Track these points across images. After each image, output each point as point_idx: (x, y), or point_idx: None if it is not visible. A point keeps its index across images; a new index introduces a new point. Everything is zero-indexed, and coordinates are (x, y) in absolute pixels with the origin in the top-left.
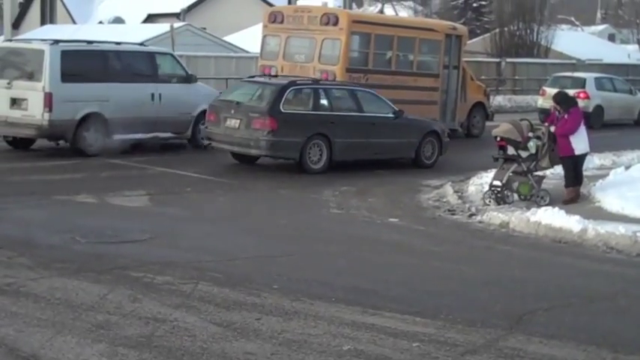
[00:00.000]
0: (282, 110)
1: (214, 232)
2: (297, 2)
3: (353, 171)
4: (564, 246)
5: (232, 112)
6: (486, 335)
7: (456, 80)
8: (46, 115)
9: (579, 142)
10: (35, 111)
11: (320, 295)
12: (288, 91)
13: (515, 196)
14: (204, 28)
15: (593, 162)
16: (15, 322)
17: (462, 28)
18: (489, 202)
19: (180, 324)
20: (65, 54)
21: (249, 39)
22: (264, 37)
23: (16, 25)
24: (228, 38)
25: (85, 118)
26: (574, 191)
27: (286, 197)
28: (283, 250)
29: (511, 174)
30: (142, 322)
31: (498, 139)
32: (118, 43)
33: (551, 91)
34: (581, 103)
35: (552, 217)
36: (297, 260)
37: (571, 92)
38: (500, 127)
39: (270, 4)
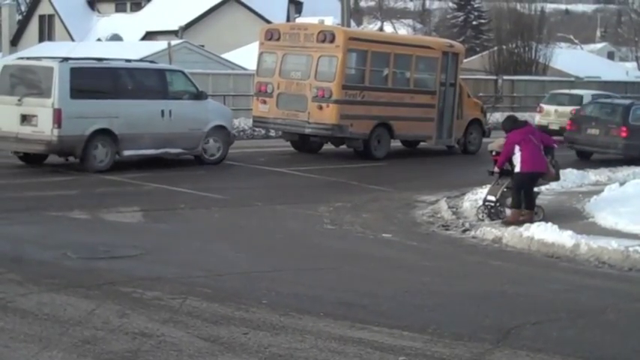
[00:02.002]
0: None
1: (206, 248)
2: (296, 20)
3: (348, 187)
4: (556, 261)
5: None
6: (473, 349)
7: (452, 97)
8: (56, 131)
9: (519, 162)
10: (45, 127)
11: (309, 310)
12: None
13: (508, 211)
14: (203, 46)
15: (589, 178)
16: (1, 337)
17: (458, 46)
18: (482, 217)
19: (167, 339)
20: (74, 71)
21: (246, 56)
22: (260, 54)
23: (15, 42)
24: (226, 55)
25: (95, 134)
26: (513, 214)
27: (281, 213)
28: (274, 265)
29: (505, 189)
30: (128, 337)
31: (494, 153)
32: (128, 60)
33: (549, 108)
34: None
35: (545, 233)
36: (288, 275)
37: (568, 109)
38: (496, 142)
39: (268, 22)
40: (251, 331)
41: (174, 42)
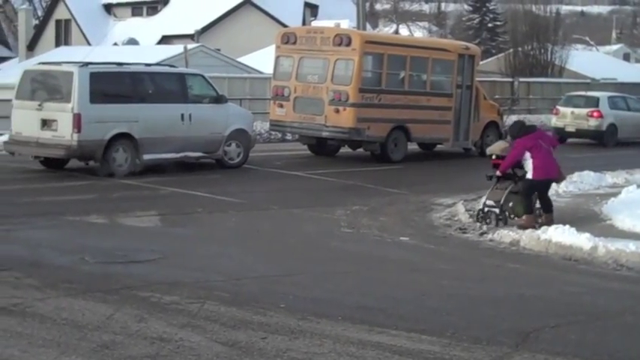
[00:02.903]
0: None
1: (223, 252)
2: (312, 23)
3: (365, 190)
4: (574, 263)
5: None
6: (492, 353)
7: (469, 100)
8: (75, 136)
9: (531, 168)
10: (65, 132)
11: (327, 314)
12: None
13: (522, 219)
14: (219, 49)
15: (606, 180)
16: (20, 342)
17: (474, 48)
18: (481, 221)
19: (186, 343)
20: (94, 75)
21: (262, 60)
22: (277, 57)
23: (31, 46)
24: (242, 59)
25: (115, 139)
26: (528, 219)
27: (298, 216)
28: (292, 269)
29: (508, 194)
30: (147, 342)
31: (494, 157)
32: (148, 65)
33: (565, 110)
34: (594, 122)
35: (563, 235)
36: (305, 279)
37: (584, 111)
38: (497, 145)
39: (284, 25)
40: (269, 336)
41: (191, 46)
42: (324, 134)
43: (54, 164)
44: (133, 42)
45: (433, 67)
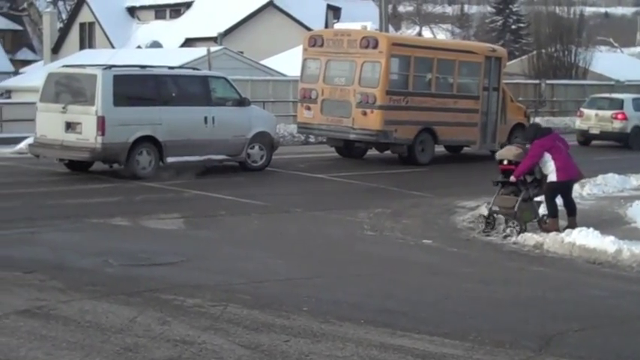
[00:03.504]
0: None
1: (246, 255)
2: (335, 26)
3: (388, 193)
4: (598, 267)
5: None
6: (514, 357)
7: (495, 102)
8: (99, 139)
9: (553, 170)
10: (89, 134)
11: (349, 317)
12: None
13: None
14: (242, 52)
15: (630, 183)
16: (44, 345)
17: (501, 50)
18: (485, 228)
19: (208, 346)
20: (117, 78)
21: (285, 62)
22: (304, 60)
23: (56, 49)
24: (265, 62)
25: (138, 141)
26: (552, 222)
27: (321, 219)
28: (314, 271)
29: (522, 201)
30: (169, 345)
31: (505, 162)
32: (172, 68)
33: (589, 112)
34: (618, 124)
35: (587, 238)
36: (328, 282)
37: (608, 113)
38: (508, 151)
39: (307, 28)
40: (292, 339)
41: (214, 49)
42: (352, 137)
43: (79, 167)
44: (156, 45)
45: (460, 69)
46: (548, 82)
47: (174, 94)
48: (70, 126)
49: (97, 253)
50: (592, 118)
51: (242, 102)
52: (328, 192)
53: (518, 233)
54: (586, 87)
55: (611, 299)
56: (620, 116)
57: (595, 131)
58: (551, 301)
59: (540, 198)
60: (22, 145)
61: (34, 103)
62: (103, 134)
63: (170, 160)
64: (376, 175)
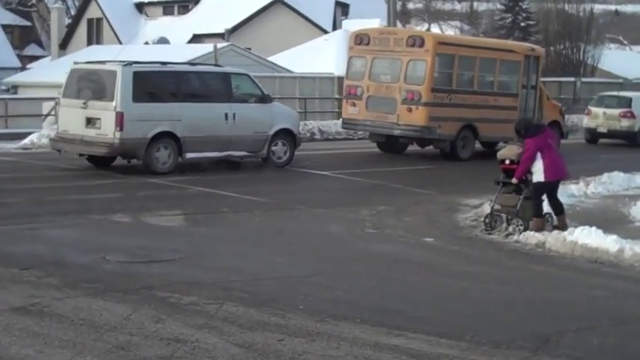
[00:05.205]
0: None
1: (246, 252)
2: (342, 23)
3: (392, 190)
4: (600, 266)
5: None
6: (510, 357)
7: (533, 100)
8: (118, 134)
9: (541, 170)
10: (108, 130)
11: (345, 316)
12: None
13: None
14: (249, 49)
15: (636, 181)
16: (36, 342)
17: (539, 49)
18: (491, 226)
19: (202, 345)
20: (137, 75)
21: (292, 59)
22: (349, 58)
23: (63, 45)
24: (272, 58)
25: (157, 137)
26: (537, 222)
27: (323, 217)
28: (313, 270)
29: (523, 199)
30: (162, 343)
31: (507, 162)
32: (193, 64)
33: (597, 110)
34: (626, 122)
35: (589, 237)
36: (326, 280)
37: (616, 112)
38: (509, 150)
39: (315, 25)
40: (286, 338)
41: (221, 45)
42: (396, 132)
43: (100, 162)
44: (163, 41)
45: (500, 67)
46: (556, 80)
47: (194, 91)
48: (90, 121)
49: (95, 249)
50: (600, 117)
51: (264, 99)
52: (332, 189)
53: (522, 232)
54: (594, 84)
55: (611, 299)
56: (628, 114)
57: (603, 130)
58: (550, 301)
59: (543, 196)
60: (27, 140)
61: (39, 99)
62: (121, 130)
63: (189, 155)
64: (380, 173)
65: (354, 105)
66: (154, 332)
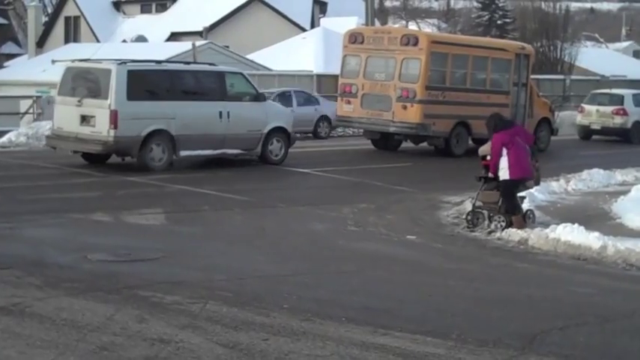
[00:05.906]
0: None
1: (228, 251)
2: (321, 20)
3: (373, 188)
4: (583, 263)
5: None
6: (497, 356)
7: (524, 97)
8: (112, 132)
9: (506, 167)
10: (102, 128)
11: (330, 315)
12: None
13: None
14: (227, 46)
15: (615, 178)
16: (17, 343)
17: (529, 48)
18: (472, 223)
19: (186, 345)
20: (132, 73)
21: (271, 57)
22: (344, 56)
23: (40, 43)
24: (251, 56)
25: (151, 135)
26: (516, 220)
27: (305, 215)
28: (296, 268)
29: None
30: (146, 344)
31: (488, 157)
32: (188, 63)
33: (590, 108)
34: (619, 119)
35: (572, 234)
36: (310, 279)
37: (609, 109)
38: (489, 146)
39: (294, 23)
40: (271, 337)
41: (199, 43)
42: (392, 129)
43: (95, 159)
44: (141, 39)
45: (492, 66)
46: (534, 77)
47: (188, 89)
48: (84, 119)
49: (76, 248)
50: (593, 114)
51: (258, 97)
52: (313, 187)
53: (504, 228)
54: (572, 82)
55: (595, 296)
56: (620, 112)
57: (596, 127)
58: (535, 299)
59: (524, 193)
60: (5, 139)
61: (17, 97)
62: (115, 127)
63: (184, 153)
64: (361, 170)
65: (349, 102)
66: (137, 332)
